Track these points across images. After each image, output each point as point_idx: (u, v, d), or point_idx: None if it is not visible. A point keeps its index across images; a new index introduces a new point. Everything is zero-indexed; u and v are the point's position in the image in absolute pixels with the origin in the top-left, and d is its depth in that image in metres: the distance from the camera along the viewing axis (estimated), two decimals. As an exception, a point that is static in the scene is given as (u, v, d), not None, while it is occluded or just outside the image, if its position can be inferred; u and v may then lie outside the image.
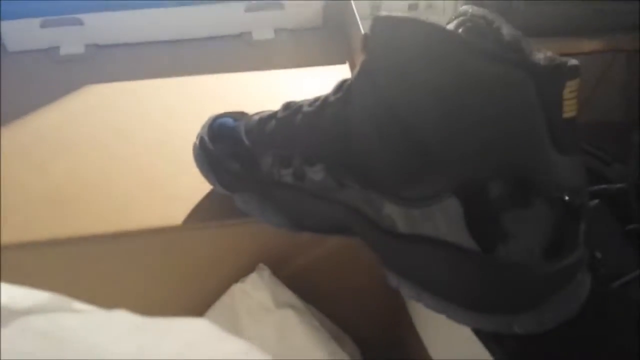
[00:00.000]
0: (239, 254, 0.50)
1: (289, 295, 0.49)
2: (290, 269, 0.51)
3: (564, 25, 0.59)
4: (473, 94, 0.34)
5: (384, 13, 0.35)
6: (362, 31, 0.60)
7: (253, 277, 0.49)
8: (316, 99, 0.42)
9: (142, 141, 0.55)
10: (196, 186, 0.50)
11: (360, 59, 0.38)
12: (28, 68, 0.62)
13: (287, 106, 0.44)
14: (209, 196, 0.51)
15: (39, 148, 0.54)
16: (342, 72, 0.63)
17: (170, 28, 0.65)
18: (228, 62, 0.64)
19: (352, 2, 0.63)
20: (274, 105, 0.47)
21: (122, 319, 0.24)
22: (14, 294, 0.23)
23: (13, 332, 0.22)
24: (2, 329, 0.21)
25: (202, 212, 0.50)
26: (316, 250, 0.51)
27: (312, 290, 0.51)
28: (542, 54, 0.34)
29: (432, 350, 0.46)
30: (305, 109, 0.42)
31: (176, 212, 0.50)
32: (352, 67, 0.63)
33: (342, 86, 0.40)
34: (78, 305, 0.24)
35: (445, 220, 0.36)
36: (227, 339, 0.25)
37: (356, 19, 0.61)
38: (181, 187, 0.51)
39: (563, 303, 0.35)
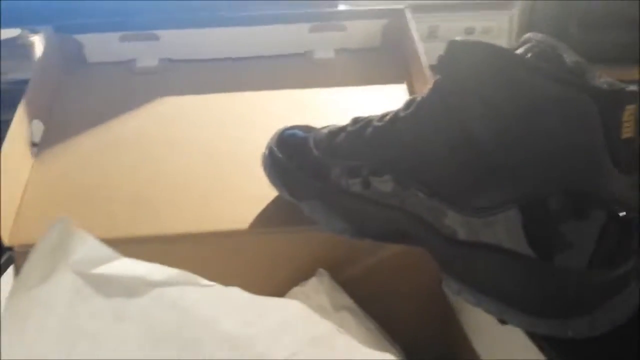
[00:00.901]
0: (300, 259, 0.54)
1: (346, 299, 0.51)
2: (347, 275, 0.54)
3: (614, 53, 0.61)
4: (539, 114, 0.37)
5: (458, 38, 0.38)
6: (419, 52, 0.63)
7: (313, 281, 0.52)
8: (385, 114, 0.46)
9: (212, 149, 0.59)
10: (263, 193, 0.54)
11: (428, 79, 0.41)
12: (106, 78, 0.67)
13: (356, 120, 0.48)
14: (274, 203, 0.54)
15: (119, 152, 0.58)
16: (399, 90, 0.66)
17: (238, 46, 0.70)
18: (291, 79, 0.68)
19: (410, 24, 0.66)
20: (334, 120, 0.51)
21: (235, 294, 0.27)
22: (149, 268, 0.27)
23: (148, 302, 0.25)
24: (138, 299, 0.25)
25: (268, 218, 0.53)
26: (374, 257, 0.54)
27: (365, 296, 0.54)
28: (603, 79, 0.37)
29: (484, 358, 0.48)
30: (375, 123, 0.45)
31: (243, 217, 0.53)
32: (409, 87, 0.66)
33: (412, 103, 0.43)
34: (203, 280, 0.27)
35: (505, 229, 0.38)
36: (318, 320, 0.28)
37: (414, 40, 0.64)
38: (249, 194, 0.54)
39: (616, 309, 0.37)
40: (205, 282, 0.28)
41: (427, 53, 0.63)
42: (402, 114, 0.44)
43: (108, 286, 0.27)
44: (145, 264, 0.27)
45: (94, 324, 0.27)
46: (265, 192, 0.54)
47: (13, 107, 0.56)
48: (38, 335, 0.27)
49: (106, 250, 0.31)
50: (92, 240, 0.31)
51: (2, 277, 0.32)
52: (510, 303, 0.39)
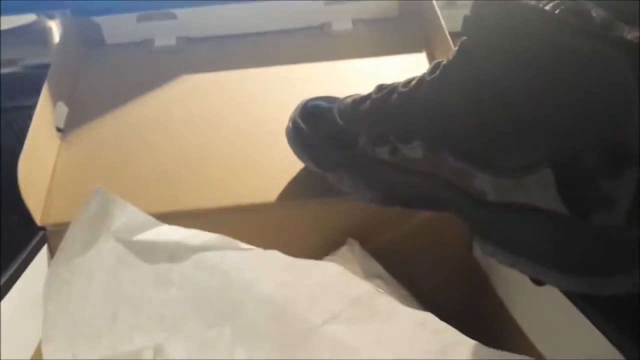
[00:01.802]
0: (329, 229, 0.54)
1: (377, 267, 0.51)
2: (377, 244, 0.54)
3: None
4: (569, 70, 0.36)
5: (482, -3, 0.38)
6: (440, 19, 0.63)
7: (344, 250, 0.52)
8: (410, 80, 0.45)
9: (234, 125, 0.59)
10: (288, 166, 0.54)
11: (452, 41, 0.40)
12: (125, 59, 0.67)
13: (381, 87, 0.47)
14: (300, 175, 0.54)
15: (142, 131, 0.58)
16: (419, 60, 0.65)
17: (255, 21, 0.69)
18: (310, 52, 0.67)
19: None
20: (356, 92, 0.50)
21: (274, 257, 0.27)
22: (189, 234, 0.27)
23: (189, 266, 0.26)
24: (179, 264, 0.25)
25: (295, 190, 0.53)
26: (403, 226, 0.54)
27: (396, 264, 0.54)
28: (633, 33, 0.36)
29: (522, 323, 0.48)
30: (401, 89, 0.45)
31: (270, 190, 0.53)
32: (429, 55, 0.65)
33: (437, 67, 0.43)
34: (241, 244, 0.27)
35: (538, 189, 0.38)
36: (357, 281, 0.28)
37: (434, 7, 0.63)
38: (274, 167, 0.54)
39: (655, 266, 0.37)
40: (245, 245, 0.28)
41: (445, 20, 0.63)
42: (428, 78, 0.43)
43: (149, 252, 0.28)
44: (185, 230, 0.27)
45: (136, 289, 0.27)
46: (289, 165, 0.54)
47: (33, 93, 0.57)
48: (82, 302, 0.28)
49: (146, 217, 0.31)
50: (132, 208, 0.31)
51: (37, 256, 0.33)
52: (547, 263, 0.38)
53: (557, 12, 0.37)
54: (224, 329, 0.26)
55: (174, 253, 0.27)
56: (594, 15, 0.37)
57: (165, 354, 0.26)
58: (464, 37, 0.40)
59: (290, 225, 0.54)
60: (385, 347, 0.29)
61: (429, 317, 0.31)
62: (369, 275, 0.51)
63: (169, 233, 0.29)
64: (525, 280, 0.43)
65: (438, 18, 0.62)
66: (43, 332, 0.28)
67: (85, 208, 0.31)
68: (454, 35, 0.60)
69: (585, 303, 0.39)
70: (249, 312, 0.26)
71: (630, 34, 0.37)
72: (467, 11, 0.39)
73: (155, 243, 0.28)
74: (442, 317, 0.56)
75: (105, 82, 0.64)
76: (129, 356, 0.27)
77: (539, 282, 0.43)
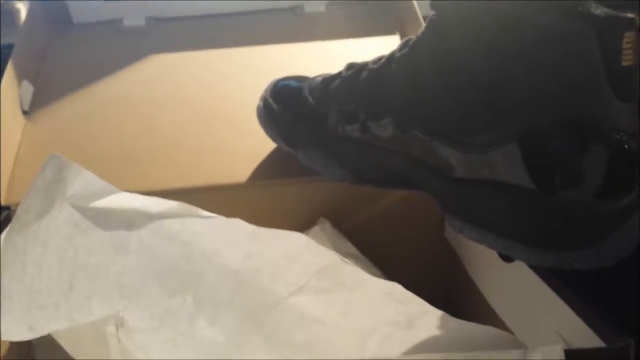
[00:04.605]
0: (300, 209, 0.53)
1: (349, 246, 0.51)
2: (349, 224, 0.54)
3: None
4: (535, 44, 0.36)
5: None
6: (414, 3, 0.63)
7: (315, 230, 0.52)
8: (380, 57, 0.45)
9: (203, 106, 0.58)
10: (259, 146, 0.53)
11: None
12: (94, 39, 0.66)
13: (351, 66, 0.47)
14: (271, 156, 0.54)
15: (109, 111, 0.57)
16: (392, 42, 0.65)
17: (226, 2, 0.68)
18: (281, 34, 0.67)
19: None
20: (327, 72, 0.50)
21: (237, 226, 0.26)
22: (148, 201, 0.26)
23: (147, 233, 0.25)
24: (138, 231, 0.24)
25: (265, 170, 0.53)
26: (375, 205, 0.54)
27: (367, 244, 0.54)
28: (599, 8, 0.36)
29: (491, 300, 0.48)
30: (371, 66, 0.45)
31: (240, 170, 0.53)
32: (401, 38, 0.65)
33: (407, 43, 0.42)
34: (203, 212, 0.27)
35: (505, 164, 0.38)
36: (322, 251, 0.28)
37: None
38: (244, 148, 0.54)
39: (620, 240, 0.37)
40: (206, 213, 0.27)
41: (418, 4, 0.63)
42: (397, 55, 0.43)
43: (107, 219, 0.27)
44: (143, 197, 0.27)
45: (93, 257, 0.26)
46: (260, 145, 0.53)
47: (1, 73, 0.56)
48: (38, 271, 0.27)
49: (103, 184, 0.30)
50: (89, 174, 0.31)
51: (0, 235, 0.32)
52: (515, 237, 0.38)
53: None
54: (186, 297, 0.25)
55: (132, 220, 0.26)
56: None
57: (126, 325, 0.25)
58: (433, 13, 0.40)
59: (261, 205, 0.53)
60: (352, 318, 0.28)
61: (396, 287, 0.30)
62: (341, 255, 0.51)
63: (127, 200, 0.28)
64: (493, 257, 0.43)
65: (411, 1, 0.62)
66: (-1, 304, 0.28)
67: (40, 175, 0.30)
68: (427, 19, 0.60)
69: (553, 278, 0.39)
70: (211, 281, 0.26)
71: (598, 9, 0.37)
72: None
73: (112, 210, 0.28)
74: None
75: (73, 62, 0.63)
76: (93, 328, 0.26)
77: (507, 259, 0.43)
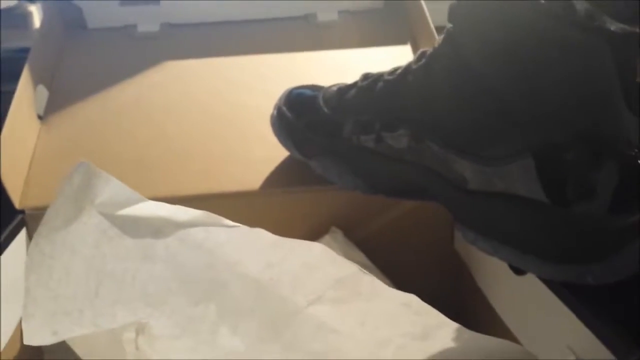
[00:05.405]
0: (312, 218, 0.53)
1: (360, 256, 0.52)
2: (360, 233, 0.54)
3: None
4: (552, 59, 0.37)
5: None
6: (425, 11, 0.63)
7: (327, 239, 0.52)
8: (396, 68, 0.45)
9: (215, 113, 0.59)
10: (271, 154, 0.53)
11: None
12: (107, 44, 0.66)
13: (367, 76, 0.48)
14: (283, 164, 0.54)
15: (122, 116, 0.58)
16: (403, 52, 0.65)
17: (240, 9, 0.69)
18: (294, 42, 0.67)
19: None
20: (340, 82, 0.50)
21: (259, 235, 0.27)
22: (174, 209, 0.26)
23: (174, 242, 0.25)
24: (165, 239, 0.25)
25: (278, 178, 0.53)
26: (386, 216, 0.54)
27: (378, 254, 0.54)
28: (615, 24, 0.37)
29: (501, 312, 0.48)
30: (386, 77, 0.45)
31: (252, 178, 0.53)
32: (414, 48, 0.66)
33: (423, 55, 0.43)
34: (227, 221, 0.27)
35: (519, 177, 0.38)
36: (341, 262, 0.28)
37: (420, 1, 0.64)
38: (256, 155, 0.54)
39: (633, 255, 0.37)
40: (230, 222, 0.28)
41: (430, 14, 0.63)
42: (414, 67, 0.43)
43: (134, 227, 0.27)
44: (169, 206, 0.27)
45: (120, 264, 0.27)
46: (272, 153, 0.53)
47: (13, 77, 0.56)
48: (64, 277, 0.27)
49: (130, 192, 0.31)
50: (116, 182, 0.31)
51: (15, 238, 0.32)
52: (528, 250, 0.39)
53: (542, 1, 0.38)
54: (209, 306, 0.26)
55: (159, 228, 0.27)
56: (578, 7, 0.37)
57: (148, 332, 0.26)
58: (450, 25, 0.40)
59: (273, 213, 0.53)
60: (368, 328, 0.29)
61: (413, 299, 0.31)
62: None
63: (154, 208, 0.29)
64: (504, 269, 0.44)
65: (423, 11, 0.63)
66: (23, 308, 0.28)
67: (69, 181, 0.30)
68: (439, 29, 0.60)
69: (565, 291, 0.39)
70: (234, 290, 0.26)
71: (613, 25, 0.37)
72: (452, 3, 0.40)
73: (140, 218, 0.28)
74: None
75: (87, 67, 0.63)
76: (110, 334, 0.26)
77: (519, 272, 0.43)
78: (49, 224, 0.29)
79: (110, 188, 0.30)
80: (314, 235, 0.53)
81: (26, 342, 0.28)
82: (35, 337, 0.28)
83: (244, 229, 0.28)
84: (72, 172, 0.31)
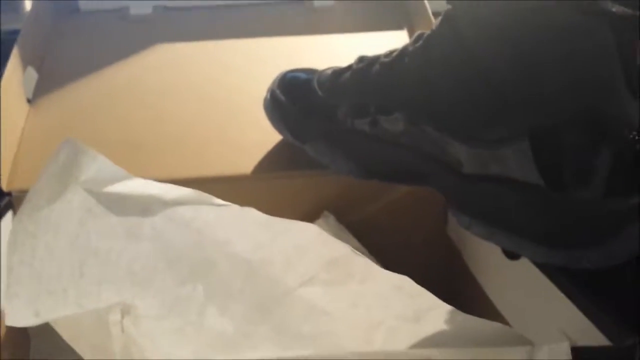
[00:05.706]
0: (305, 202, 0.53)
1: (352, 240, 0.51)
2: (353, 218, 0.54)
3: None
4: (551, 41, 0.36)
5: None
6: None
7: (319, 223, 0.51)
8: (393, 51, 0.44)
9: (209, 96, 0.58)
10: (264, 138, 0.53)
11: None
12: (100, 26, 0.65)
13: (362, 59, 0.47)
14: (276, 147, 0.53)
15: (113, 99, 0.57)
16: (400, 37, 0.65)
17: (234, -8, 0.68)
18: (290, 26, 0.66)
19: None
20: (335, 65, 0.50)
21: (250, 215, 0.26)
22: (162, 187, 0.26)
23: (161, 220, 0.25)
24: (151, 218, 0.24)
25: (271, 162, 0.52)
26: (380, 201, 0.53)
27: (370, 239, 0.54)
28: (616, 6, 0.36)
29: (494, 297, 0.48)
30: (383, 59, 0.44)
31: (245, 161, 0.52)
32: (410, 33, 0.65)
33: (420, 37, 0.42)
34: (217, 200, 0.26)
35: (515, 161, 0.38)
36: (334, 242, 0.28)
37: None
38: (250, 139, 0.54)
39: (631, 239, 0.37)
40: (220, 201, 0.27)
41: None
42: (410, 49, 0.42)
43: (120, 205, 0.27)
44: (158, 184, 0.26)
45: (105, 242, 0.26)
46: (266, 137, 0.53)
47: (5, 60, 0.55)
48: (48, 256, 0.27)
49: (117, 169, 0.30)
50: (103, 159, 0.30)
51: (1, 221, 0.31)
52: (524, 234, 0.38)
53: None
54: (197, 286, 0.25)
55: (146, 206, 0.26)
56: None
57: (133, 312, 0.25)
58: (449, 8, 0.39)
59: (266, 197, 0.53)
60: (360, 311, 0.28)
61: (406, 281, 0.30)
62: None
63: (141, 186, 0.28)
64: (497, 254, 0.43)
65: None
66: (7, 288, 0.27)
67: (54, 159, 0.30)
68: (437, 15, 0.60)
69: (559, 275, 0.39)
70: (223, 270, 0.26)
71: (614, 7, 0.36)
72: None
73: (126, 195, 0.27)
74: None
75: (78, 49, 0.62)
76: (95, 316, 0.26)
77: (513, 256, 0.43)
78: (33, 202, 0.29)
79: (96, 165, 0.29)
80: (306, 219, 0.51)
81: (8, 323, 0.28)
82: (18, 318, 0.28)
83: (234, 207, 0.27)
84: (57, 150, 0.30)
